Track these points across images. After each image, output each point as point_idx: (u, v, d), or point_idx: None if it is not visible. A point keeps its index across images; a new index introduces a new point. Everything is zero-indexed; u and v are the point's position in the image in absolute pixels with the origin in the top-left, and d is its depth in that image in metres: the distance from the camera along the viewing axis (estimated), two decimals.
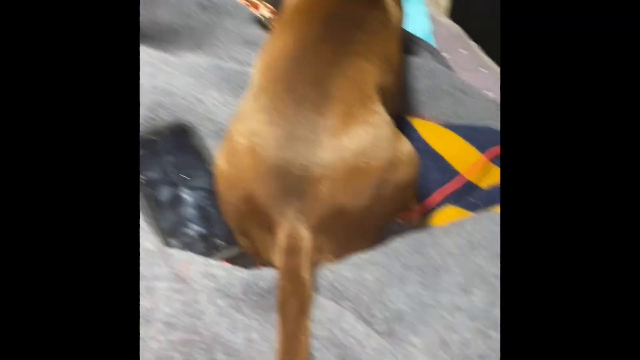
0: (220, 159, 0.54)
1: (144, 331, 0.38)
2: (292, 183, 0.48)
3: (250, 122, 0.52)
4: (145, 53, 0.75)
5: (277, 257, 0.47)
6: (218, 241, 0.57)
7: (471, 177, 0.65)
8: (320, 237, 0.49)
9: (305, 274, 0.46)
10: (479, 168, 0.65)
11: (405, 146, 0.53)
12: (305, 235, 0.48)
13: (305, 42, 0.58)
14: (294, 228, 0.48)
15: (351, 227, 0.50)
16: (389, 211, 0.53)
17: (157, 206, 0.59)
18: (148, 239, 0.46)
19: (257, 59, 0.63)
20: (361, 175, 0.49)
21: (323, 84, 0.53)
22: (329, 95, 0.52)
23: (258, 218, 0.50)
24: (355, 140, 0.50)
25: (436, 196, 0.61)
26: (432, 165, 0.66)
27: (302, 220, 0.48)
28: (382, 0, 0.68)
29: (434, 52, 0.85)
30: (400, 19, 0.73)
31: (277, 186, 0.48)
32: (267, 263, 0.51)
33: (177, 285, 0.42)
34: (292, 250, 0.47)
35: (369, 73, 0.57)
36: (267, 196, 0.49)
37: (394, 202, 0.53)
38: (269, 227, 0.49)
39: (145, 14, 0.84)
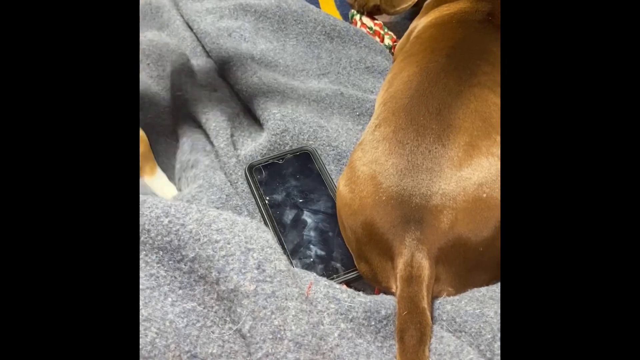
0: (342, 185, 0.56)
1: (274, 348, 0.40)
2: (413, 211, 0.49)
3: (373, 151, 0.53)
4: (275, 80, 0.81)
5: (396, 285, 0.48)
6: (337, 264, 0.60)
7: None
8: (439, 267, 0.49)
9: (424, 303, 0.47)
10: None
11: None
12: (425, 265, 0.48)
13: (429, 73, 0.59)
14: (413, 257, 0.48)
15: (471, 259, 0.50)
16: None
17: (282, 228, 0.63)
18: (281, 259, 0.49)
19: (381, 88, 0.65)
20: (483, 206, 0.49)
21: (446, 115, 0.53)
22: (452, 126, 0.52)
23: (378, 245, 0.51)
24: (478, 172, 0.50)
25: None
26: None
27: (422, 249, 0.48)
28: None
29: None
30: None
31: (398, 214, 0.49)
32: (386, 290, 0.52)
33: (304, 306, 0.45)
34: (412, 279, 0.48)
35: (494, 104, 0.56)
36: (387, 224, 0.50)
37: None
38: (389, 254, 0.50)
39: (277, 44, 0.90)
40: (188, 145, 0.74)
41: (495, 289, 0.51)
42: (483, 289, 0.51)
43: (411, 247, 0.48)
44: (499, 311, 0.48)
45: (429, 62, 0.61)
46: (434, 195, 0.49)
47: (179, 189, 0.71)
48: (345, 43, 0.91)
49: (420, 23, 0.74)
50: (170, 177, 0.74)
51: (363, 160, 0.54)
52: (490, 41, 0.64)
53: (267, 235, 0.50)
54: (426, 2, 0.76)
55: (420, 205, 0.49)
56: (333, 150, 0.72)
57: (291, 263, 0.59)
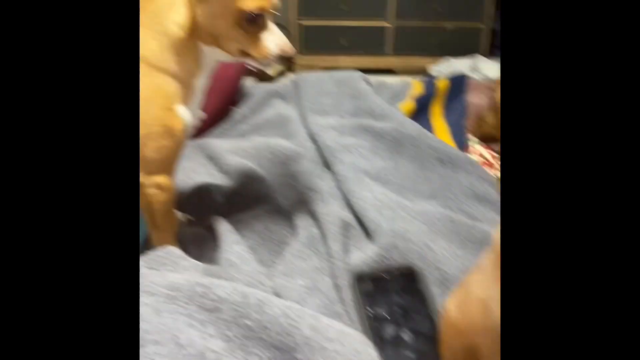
0: (451, 305, 0.58)
1: None
2: None
3: (489, 276, 0.55)
4: (386, 196, 0.86)
5: None
6: None
7: None
8: None
9: None
10: None
11: None
12: None
13: None
14: None
15: None
16: None
17: (381, 342, 0.65)
18: None
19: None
20: None
21: None
22: None
23: None
24: None
25: None
26: None
27: None
28: None
29: None
30: None
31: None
32: None
33: None
34: None
35: None
36: (491, 351, 0.50)
37: None
38: None
39: (391, 163, 0.97)
40: (306, 238, 0.80)
41: None
42: None
43: None
44: None
45: None
46: None
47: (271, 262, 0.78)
48: (457, 169, 0.95)
49: None
50: (275, 260, 0.80)
51: (479, 285, 0.56)
52: None
53: (372, 352, 0.53)
54: None
55: None
56: (438, 272, 0.74)
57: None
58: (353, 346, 0.51)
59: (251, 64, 0.70)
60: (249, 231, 0.84)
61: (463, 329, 0.54)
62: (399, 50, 2.57)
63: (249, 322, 0.53)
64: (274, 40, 0.67)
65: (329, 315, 0.67)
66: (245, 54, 0.68)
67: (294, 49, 0.69)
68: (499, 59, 2.51)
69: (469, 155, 0.99)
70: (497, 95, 0.83)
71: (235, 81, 1.27)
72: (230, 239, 0.77)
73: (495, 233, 0.64)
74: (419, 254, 0.76)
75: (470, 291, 0.56)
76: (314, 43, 2.60)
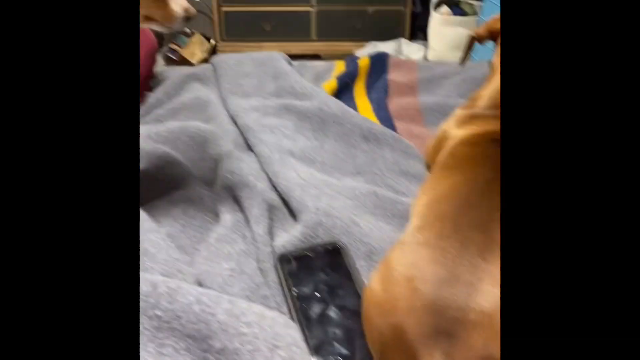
0: (374, 282, 0.56)
1: None
2: (446, 323, 0.48)
3: (412, 254, 0.54)
4: (312, 176, 0.84)
5: None
6: None
7: None
8: None
9: None
10: None
11: None
12: None
13: (475, 185, 0.60)
14: None
15: None
16: None
17: (307, 322, 0.63)
18: (305, 359, 0.49)
19: (420, 190, 0.67)
20: None
21: (491, 229, 0.54)
22: (496, 242, 0.53)
23: (403, 350, 0.50)
24: None
25: None
26: None
27: None
28: None
29: None
30: None
31: (429, 323, 0.49)
32: None
33: None
34: None
35: None
36: (417, 331, 0.49)
37: None
38: None
39: (316, 143, 0.95)
40: (231, 222, 0.77)
41: None
42: None
43: None
44: None
45: (474, 173, 0.63)
46: (471, 311, 0.48)
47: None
48: (381, 145, 0.95)
49: (451, 137, 0.77)
50: (196, 246, 0.76)
51: (402, 262, 0.54)
52: None
53: (294, 333, 0.50)
54: (458, 114, 0.80)
55: (455, 318, 0.48)
56: (364, 246, 0.73)
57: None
58: (274, 329, 0.48)
59: (156, 28, 0.69)
60: (167, 218, 0.79)
61: (387, 308, 0.52)
62: (323, 35, 2.56)
63: (159, 313, 0.49)
64: (177, 2, 0.66)
65: (255, 299, 0.64)
66: (149, 19, 0.67)
67: (194, 9, 0.70)
68: (421, 42, 2.56)
69: (392, 131, 0.99)
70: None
71: (148, 67, 1.20)
72: (144, 226, 0.72)
73: (412, 208, 0.64)
74: (344, 229, 0.74)
75: (392, 268, 0.55)
76: (236, 29, 2.54)
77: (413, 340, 0.49)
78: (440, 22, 2.38)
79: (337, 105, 1.01)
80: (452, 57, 2.19)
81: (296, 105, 1.02)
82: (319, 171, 0.89)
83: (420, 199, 0.65)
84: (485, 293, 0.49)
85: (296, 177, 0.83)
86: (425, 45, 2.50)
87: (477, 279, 0.50)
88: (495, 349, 0.47)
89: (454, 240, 0.53)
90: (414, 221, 0.60)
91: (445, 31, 2.35)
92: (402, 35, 2.60)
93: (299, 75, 1.15)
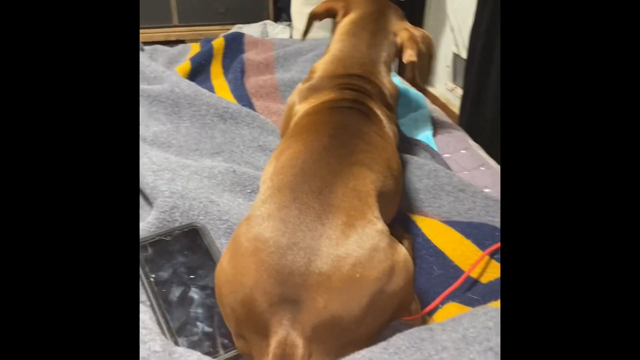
0: (224, 260, 0.56)
1: None
2: (290, 290, 0.50)
3: (256, 227, 0.54)
4: (167, 160, 0.82)
5: None
6: (224, 340, 0.59)
7: (473, 273, 0.66)
8: (312, 345, 0.50)
9: None
10: (480, 264, 0.66)
11: (401, 254, 0.55)
12: (298, 344, 0.49)
13: (313, 151, 0.62)
14: (287, 335, 0.49)
15: (344, 336, 0.51)
16: (384, 319, 0.54)
17: (167, 305, 0.62)
18: (155, 339, 0.48)
19: (268, 163, 0.68)
20: (356, 286, 0.51)
21: (327, 194, 0.56)
22: (332, 205, 0.55)
23: (255, 323, 0.51)
24: (352, 251, 0.52)
25: (440, 297, 0.62)
26: (434, 261, 0.67)
27: (297, 328, 0.49)
28: (375, 115, 0.75)
29: (434, 154, 0.89)
30: (395, 132, 0.79)
31: (276, 292, 0.50)
32: None
33: None
34: (285, 357, 0.48)
35: (371, 181, 0.61)
36: (265, 302, 0.50)
37: (389, 311, 0.54)
38: (265, 332, 0.50)
39: (171, 126, 0.93)
40: None
41: (374, 351, 0.52)
42: (363, 351, 0.52)
43: (286, 327, 0.49)
44: None
45: (313, 140, 0.65)
46: (311, 275, 0.50)
47: None
48: (238, 124, 0.95)
49: (296, 112, 0.79)
50: None
51: (247, 236, 0.55)
52: (362, 123, 0.71)
53: (143, 316, 0.49)
54: (299, 88, 0.83)
55: (298, 283, 0.50)
56: (224, 224, 0.73)
57: (176, 342, 0.58)
58: None
59: None
60: None
61: (236, 284, 0.53)
62: (185, 20, 2.48)
63: None
64: None
65: None
66: None
67: None
68: (285, 22, 2.58)
69: (249, 109, 0.99)
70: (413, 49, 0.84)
71: None
72: None
73: (267, 179, 0.65)
74: (202, 210, 0.73)
75: (239, 243, 0.55)
76: None
77: (262, 312, 0.50)
78: (301, 2, 2.41)
79: (190, 86, 0.99)
80: (316, 36, 2.23)
81: (146, 90, 0.98)
82: (176, 154, 0.87)
83: (267, 170, 0.66)
84: (324, 255, 0.51)
85: (149, 162, 0.80)
86: (290, 26, 2.52)
87: (316, 244, 0.52)
88: (337, 307, 0.50)
89: (294, 209, 0.55)
90: (259, 194, 0.61)
91: (306, 10, 2.38)
92: (267, 17, 2.60)
93: (149, 60, 1.11)
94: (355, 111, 0.73)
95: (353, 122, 0.70)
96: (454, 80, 1.36)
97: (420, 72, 0.85)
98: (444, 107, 1.55)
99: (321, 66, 0.84)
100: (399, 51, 0.85)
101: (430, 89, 1.45)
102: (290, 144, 0.66)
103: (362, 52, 0.83)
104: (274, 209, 0.55)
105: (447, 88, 1.40)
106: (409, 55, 0.82)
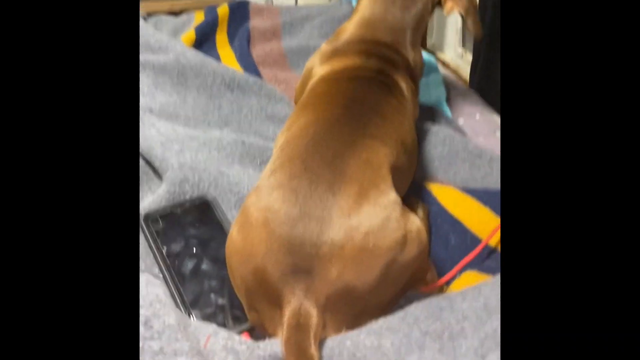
0: (234, 231, 0.55)
1: None
2: (302, 260, 0.49)
3: (266, 197, 0.53)
4: (175, 132, 0.80)
5: (284, 334, 0.48)
6: (238, 312, 0.58)
7: (492, 242, 0.64)
8: (327, 315, 0.49)
9: (312, 350, 0.47)
10: (499, 232, 0.64)
11: (414, 224, 0.54)
12: (312, 313, 0.48)
13: (325, 122, 0.60)
14: (301, 305, 0.48)
15: (358, 305, 0.51)
16: (397, 289, 0.54)
17: (181, 278, 0.61)
18: (170, 313, 0.47)
19: (280, 133, 0.67)
20: (369, 255, 0.50)
21: (339, 164, 0.54)
22: (344, 175, 0.54)
23: (267, 293, 0.50)
24: (365, 221, 0.51)
25: (457, 266, 0.61)
26: (450, 229, 0.66)
27: (310, 297, 0.48)
28: (398, 89, 0.72)
29: (448, 120, 0.87)
30: (415, 106, 0.76)
31: (288, 262, 0.49)
32: (273, 337, 0.51)
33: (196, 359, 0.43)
34: (299, 327, 0.48)
35: (384, 155, 0.59)
36: (277, 272, 0.49)
37: (403, 281, 0.53)
38: (278, 303, 0.50)
39: (177, 97, 0.91)
40: None
41: (392, 320, 0.52)
42: (380, 321, 0.51)
43: (300, 296, 0.48)
44: (397, 343, 0.49)
45: (326, 111, 0.63)
46: (324, 245, 0.49)
47: None
48: (246, 93, 0.93)
49: (314, 74, 0.76)
50: None
51: (257, 206, 0.54)
52: (381, 97, 0.68)
53: (156, 290, 0.49)
54: (322, 50, 0.80)
55: (310, 254, 0.49)
56: (235, 196, 0.72)
57: (190, 314, 0.57)
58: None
59: None
60: None
61: (247, 255, 0.52)
62: None
63: None
64: None
65: None
66: None
67: None
68: None
69: (256, 77, 0.97)
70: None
71: None
72: None
73: (278, 149, 0.63)
74: (212, 182, 0.72)
75: (249, 214, 0.54)
76: None
77: (274, 282, 0.49)
78: None
79: (196, 56, 0.96)
80: (321, 2, 2.18)
81: (152, 60, 0.96)
82: (183, 125, 0.85)
83: (278, 140, 0.64)
84: (336, 225, 0.50)
85: (156, 134, 0.78)
86: None
87: (328, 214, 0.51)
88: (350, 277, 0.49)
89: (304, 179, 0.53)
90: (269, 164, 0.60)
91: None
92: None
93: (153, 29, 1.08)
94: (376, 83, 0.70)
95: (371, 95, 0.67)
96: (463, 44, 1.32)
97: (473, 24, 0.79)
98: (454, 72, 1.51)
99: (349, 28, 0.79)
100: (435, 6, 0.80)
101: (439, 54, 1.41)
102: (302, 114, 0.64)
103: (394, 15, 0.77)
104: (285, 178, 0.54)
105: (456, 53, 1.36)
106: (449, 8, 0.77)
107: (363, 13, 0.79)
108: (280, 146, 0.61)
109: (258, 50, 1.10)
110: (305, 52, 1.06)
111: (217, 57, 1.08)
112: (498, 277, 0.52)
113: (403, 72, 0.75)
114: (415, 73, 0.78)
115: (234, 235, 0.54)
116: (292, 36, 1.14)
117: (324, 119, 0.61)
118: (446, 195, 0.70)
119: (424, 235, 0.55)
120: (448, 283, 0.61)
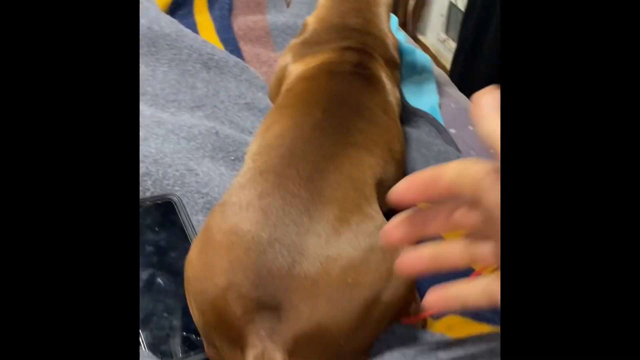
0: (193, 252, 0.48)
1: None
2: (269, 296, 0.43)
3: (232, 217, 0.46)
4: (140, 113, 0.71)
5: None
6: (197, 337, 0.51)
7: (485, 272, 0.60)
8: None
9: None
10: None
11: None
12: (277, 358, 0.42)
13: (303, 129, 0.54)
14: (265, 349, 0.42)
15: (331, 349, 0.44)
16: (379, 331, 0.48)
17: None
18: None
19: (252, 139, 0.59)
20: (348, 293, 0.43)
21: (317, 182, 0.48)
22: (322, 195, 0.47)
23: (227, 331, 0.44)
24: (344, 252, 0.44)
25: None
26: None
27: (276, 340, 0.42)
28: (379, 81, 0.66)
29: (440, 130, 0.81)
30: (399, 100, 0.70)
31: (252, 297, 0.43)
32: None
33: None
34: None
35: (369, 167, 0.53)
36: (239, 308, 0.43)
37: (386, 321, 0.48)
38: (239, 343, 0.43)
39: (146, 69, 0.81)
40: None
41: None
42: None
43: (264, 339, 0.42)
44: None
45: (304, 115, 0.57)
46: (295, 278, 0.43)
47: None
48: (224, 74, 0.83)
49: (289, 73, 0.70)
50: None
51: (221, 228, 0.46)
52: (363, 94, 0.62)
53: None
54: (293, 45, 0.73)
55: (278, 288, 0.43)
56: (202, 198, 0.64)
57: (138, 335, 0.50)
58: None
59: None
60: None
61: (206, 284, 0.44)
62: None
63: None
64: None
65: None
66: None
67: None
68: None
69: (238, 59, 0.87)
70: None
71: None
72: None
73: (249, 158, 0.56)
74: (178, 179, 0.64)
75: (212, 236, 0.46)
76: None
77: (235, 320, 0.43)
78: None
79: (171, 24, 0.86)
80: None
81: None
82: (150, 105, 0.76)
83: (251, 146, 0.57)
84: (310, 255, 0.44)
85: None
86: None
87: (302, 241, 0.44)
88: (323, 317, 0.43)
89: (277, 198, 0.46)
90: (239, 176, 0.52)
91: None
92: None
93: None
94: (356, 77, 0.64)
95: (353, 93, 0.61)
96: (447, 31, 1.26)
97: (413, 14, 0.76)
98: (434, 58, 1.49)
99: (316, 16, 0.74)
100: None
101: (421, 38, 1.35)
102: (278, 117, 0.57)
103: None
104: (254, 196, 0.47)
105: (438, 39, 1.31)
106: None
107: None
108: (252, 156, 0.54)
109: (240, 23, 0.99)
110: (292, 32, 0.97)
111: (194, 24, 0.98)
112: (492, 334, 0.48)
113: (381, 58, 0.69)
114: (393, 53, 0.73)
115: (193, 258, 0.47)
116: (278, 10, 1.04)
117: (302, 125, 0.55)
118: None
119: None
120: (433, 316, 0.57)
